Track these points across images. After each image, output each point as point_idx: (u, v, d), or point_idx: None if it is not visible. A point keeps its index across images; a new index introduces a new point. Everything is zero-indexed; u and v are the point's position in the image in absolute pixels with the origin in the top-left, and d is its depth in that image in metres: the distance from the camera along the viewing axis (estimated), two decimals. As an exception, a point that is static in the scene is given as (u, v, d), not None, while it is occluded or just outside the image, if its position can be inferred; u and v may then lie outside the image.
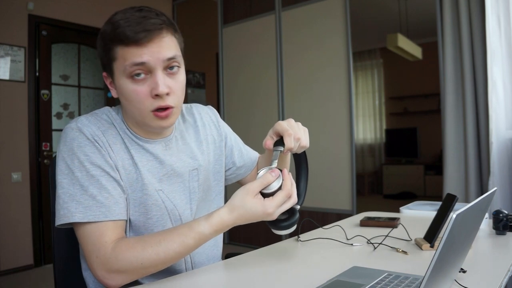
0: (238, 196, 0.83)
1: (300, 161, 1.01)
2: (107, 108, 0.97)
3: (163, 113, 0.87)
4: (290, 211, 0.89)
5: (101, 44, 0.88)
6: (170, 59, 0.86)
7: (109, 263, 0.81)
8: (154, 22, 0.84)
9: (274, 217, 0.83)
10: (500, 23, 2.38)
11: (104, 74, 0.92)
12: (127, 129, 0.94)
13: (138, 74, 0.84)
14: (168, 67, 0.87)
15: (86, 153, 0.86)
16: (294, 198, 0.86)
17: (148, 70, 0.85)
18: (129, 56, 0.83)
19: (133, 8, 0.87)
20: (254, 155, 1.22)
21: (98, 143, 0.87)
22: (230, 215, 0.84)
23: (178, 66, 0.89)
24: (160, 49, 0.84)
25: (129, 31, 0.82)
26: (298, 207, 0.92)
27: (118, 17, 0.85)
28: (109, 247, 0.81)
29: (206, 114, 1.12)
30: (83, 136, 0.86)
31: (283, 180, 0.85)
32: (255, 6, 3.86)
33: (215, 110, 1.17)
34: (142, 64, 0.83)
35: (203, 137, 1.07)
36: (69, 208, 0.83)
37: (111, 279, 0.82)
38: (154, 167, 0.94)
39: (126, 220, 0.90)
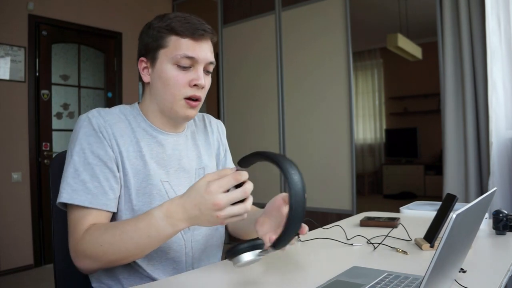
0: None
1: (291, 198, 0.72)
2: (122, 105, 1.04)
3: (194, 103, 0.97)
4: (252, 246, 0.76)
5: (151, 33, 0.96)
6: (211, 62, 0.98)
7: (78, 244, 0.85)
8: (208, 27, 0.97)
9: (218, 202, 0.71)
10: (500, 23, 2.38)
11: (143, 59, 0.99)
12: (144, 120, 1.00)
13: (185, 65, 0.94)
14: (206, 69, 0.98)
15: (89, 142, 0.91)
16: (248, 207, 0.74)
17: (192, 64, 0.95)
18: (183, 47, 0.94)
19: (186, 13, 0.99)
20: None
21: (103, 134, 0.92)
22: (180, 197, 0.79)
23: (210, 72, 1.01)
24: (207, 51, 0.97)
25: (188, 26, 0.94)
26: (272, 251, 0.74)
27: (174, 15, 0.96)
28: (83, 230, 0.86)
29: (215, 124, 1.21)
30: (90, 126, 0.92)
31: (244, 183, 0.75)
32: (255, 6, 3.86)
33: (223, 125, 1.25)
34: (192, 58, 0.94)
35: (211, 141, 1.15)
36: (60, 188, 0.89)
37: (79, 261, 0.86)
38: (163, 159, 1.00)
39: (113, 212, 0.92)
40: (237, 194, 0.73)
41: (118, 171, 0.93)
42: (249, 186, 0.74)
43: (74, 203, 0.87)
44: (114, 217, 0.95)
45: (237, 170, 0.76)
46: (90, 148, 0.90)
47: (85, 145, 0.90)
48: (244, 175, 0.74)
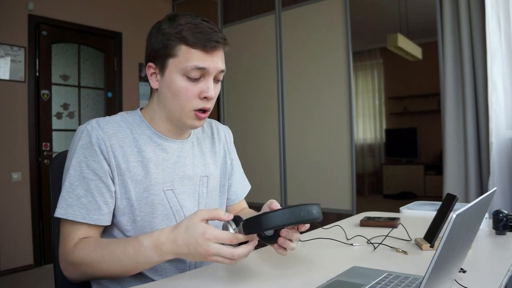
0: (187, 216, 0.82)
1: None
2: (123, 112, 1.02)
3: (203, 115, 0.96)
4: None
5: (160, 38, 0.93)
6: (222, 71, 0.96)
7: (68, 256, 0.88)
8: (221, 36, 0.94)
9: (210, 250, 0.76)
10: (500, 23, 2.38)
11: (151, 64, 0.97)
12: (148, 127, 0.99)
13: (195, 77, 0.92)
14: (216, 78, 0.96)
15: (85, 155, 0.91)
16: (234, 263, 0.78)
17: (203, 75, 0.93)
18: (193, 58, 0.91)
19: (197, 17, 0.95)
20: (243, 190, 1.23)
21: (100, 147, 0.91)
22: (171, 231, 0.81)
23: (220, 79, 0.98)
24: (218, 60, 0.94)
25: (200, 36, 0.90)
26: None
27: (186, 20, 0.92)
28: (73, 243, 0.89)
29: (222, 131, 1.19)
30: (88, 139, 0.91)
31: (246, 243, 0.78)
32: (255, 6, 3.86)
33: (231, 132, 1.23)
34: (203, 69, 0.91)
35: (217, 149, 1.13)
36: (56, 202, 0.91)
37: (67, 271, 0.90)
38: (168, 167, 0.99)
39: (104, 226, 0.93)
40: (226, 252, 0.76)
41: (114, 185, 0.92)
42: (239, 251, 0.76)
43: (67, 218, 0.89)
44: (116, 227, 0.95)
45: (238, 230, 0.78)
46: (86, 162, 0.90)
47: (81, 159, 0.91)
48: (239, 239, 0.77)
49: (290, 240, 0.84)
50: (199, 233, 0.76)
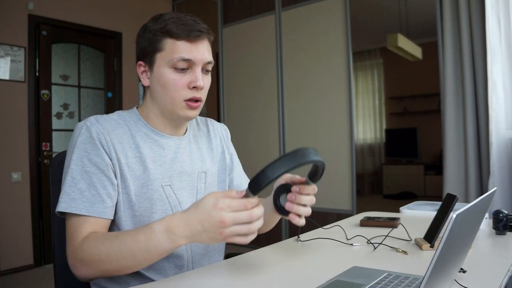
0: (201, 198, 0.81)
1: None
2: (120, 111, 1.04)
3: (194, 104, 0.97)
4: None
5: (147, 36, 0.96)
6: (208, 62, 0.98)
7: (76, 252, 0.85)
8: (204, 27, 0.96)
9: (224, 219, 0.73)
10: (500, 23, 2.38)
11: (141, 63, 1.00)
12: (145, 125, 1.00)
13: (182, 67, 0.94)
14: (204, 69, 0.98)
15: (86, 150, 0.91)
16: (253, 229, 0.75)
17: (190, 66, 0.95)
18: (179, 50, 0.93)
19: (181, 13, 0.98)
20: (246, 185, 1.22)
21: (101, 141, 0.92)
22: (183, 213, 0.78)
23: (209, 70, 1.00)
24: (204, 51, 0.96)
25: (183, 28, 0.93)
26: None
27: (169, 16, 0.96)
28: (81, 238, 0.86)
29: (218, 128, 1.20)
30: (88, 134, 0.92)
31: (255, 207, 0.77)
32: (255, 6, 3.86)
33: (227, 129, 1.24)
34: (188, 60, 0.94)
35: (214, 145, 1.14)
36: (59, 198, 0.90)
37: (76, 268, 0.86)
38: (165, 162, 0.99)
39: (111, 220, 0.93)
40: (243, 216, 0.74)
41: (116, 179, 0.92)
42: (256, 211, 0.75)
43: (71, 211, 0.87)
44: (114, 224, 0.95)
45: (245, 195, 0.76)
46: (88, 156, 0.91)
47: (82, 153, 0.91)
48: (253, 203, 0.75)
49: (303, 205, 0.87)
50: (210, 206, 0.74)
